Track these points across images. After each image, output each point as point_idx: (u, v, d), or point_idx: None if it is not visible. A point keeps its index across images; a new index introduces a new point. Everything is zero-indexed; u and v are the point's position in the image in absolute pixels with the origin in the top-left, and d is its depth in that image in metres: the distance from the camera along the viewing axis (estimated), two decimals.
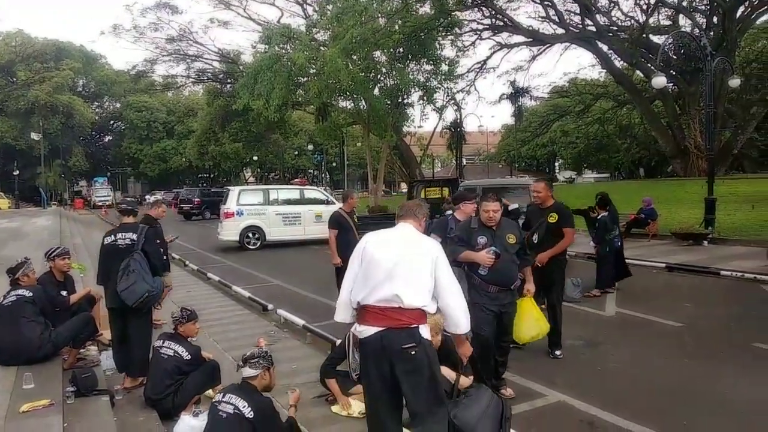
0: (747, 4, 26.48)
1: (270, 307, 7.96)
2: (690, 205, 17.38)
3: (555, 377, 5.03)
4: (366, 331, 3.01)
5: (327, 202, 17.86)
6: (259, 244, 16.21)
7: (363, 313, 3.05)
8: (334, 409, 4.37)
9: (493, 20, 30.13)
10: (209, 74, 41.08)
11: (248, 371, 3.40)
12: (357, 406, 4.30)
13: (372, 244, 3.10)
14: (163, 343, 4.42)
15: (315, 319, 7.08)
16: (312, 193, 18.70)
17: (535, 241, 5.52)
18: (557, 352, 5.59)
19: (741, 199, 18.20)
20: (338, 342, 4.80)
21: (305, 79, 25.23)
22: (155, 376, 4.27)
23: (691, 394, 4.62)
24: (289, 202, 17.16)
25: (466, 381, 3.83)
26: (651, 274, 9.99)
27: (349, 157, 53.92)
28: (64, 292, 5.33)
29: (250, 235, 16.20)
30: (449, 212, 7.88)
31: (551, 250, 5.50)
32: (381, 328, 2.96)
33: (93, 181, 53.81)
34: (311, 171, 60.10)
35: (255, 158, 48.14)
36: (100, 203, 44.54)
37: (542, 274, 5.35)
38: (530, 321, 4.81)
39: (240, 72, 31.00)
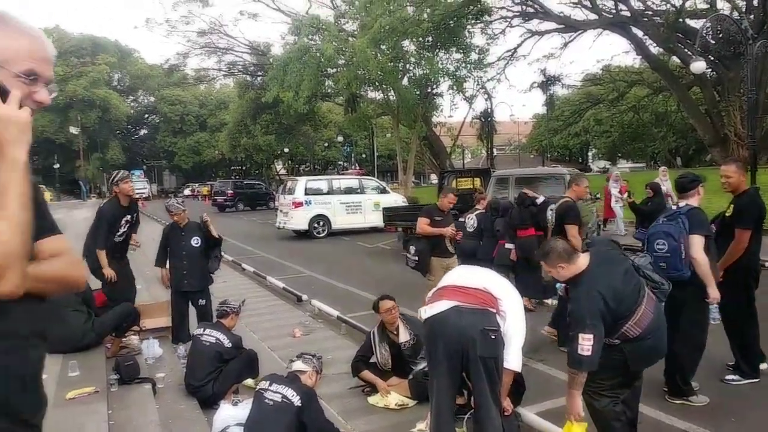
0: None
1: (304, 297, 8.01)
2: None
3: None
4: (439, 305, 2.89)
5: (383, 191, 18.31)
6: (325, 232, 16.81)
7: (440, 292, 3.01)
8: (371, 400, 4.38)
9: (524, 7, 29.52)
10: (240, 67, 41.39)
11: (300, 365, 3.43)
12: (394, 397, 4.31)
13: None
14: (203, 330, 4.50)
15: (349, 310, 7.12)
16: (369, 182, 19.37)
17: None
18: (730, 377, 4.43)
19: None
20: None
21: (334, 70, 25.23)
22: (196, 363, 4.35)
23: None
24: (350, 191, 17.72)
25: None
26: None
27: (378, 149, 53.83)
28: (128, 216, 5.91)
29: (318, 223, 16.77)
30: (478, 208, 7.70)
31: (722, 260, 4.24)
32: (457, 303, 2.86)
33: (130, 174, 54.62)
34: (341, 163, 60.18)
35: (286, 150, 48.41)
36: (137, 196, 45.23)
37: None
38: None
39: (270, 64, 31.12)
